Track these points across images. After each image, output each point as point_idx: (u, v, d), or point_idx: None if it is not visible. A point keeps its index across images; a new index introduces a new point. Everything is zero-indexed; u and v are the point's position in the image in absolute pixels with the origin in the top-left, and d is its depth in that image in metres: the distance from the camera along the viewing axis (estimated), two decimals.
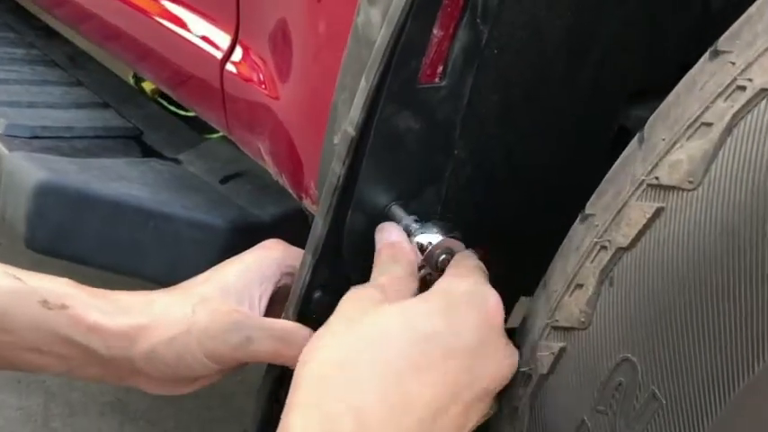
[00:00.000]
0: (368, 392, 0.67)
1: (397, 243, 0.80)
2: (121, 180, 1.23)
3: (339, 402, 0.66)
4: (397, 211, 0.84)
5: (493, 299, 0.74)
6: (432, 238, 0.82)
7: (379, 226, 0.81)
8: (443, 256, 0.82)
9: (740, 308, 0.57)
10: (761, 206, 0.56)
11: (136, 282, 1.17)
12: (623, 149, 0.93)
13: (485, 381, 0.71)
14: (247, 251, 0.90)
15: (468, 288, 0.74)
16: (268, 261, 0.88)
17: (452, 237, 0.83)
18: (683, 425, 0.60)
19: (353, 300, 0.76)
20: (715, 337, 0.58)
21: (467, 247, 0.84)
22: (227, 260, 0.89)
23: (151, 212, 1.18)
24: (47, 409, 1.89)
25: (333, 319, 0.74)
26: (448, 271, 0.79)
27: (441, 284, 0.76)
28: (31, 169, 1.20)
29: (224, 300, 0.84)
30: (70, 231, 1.19)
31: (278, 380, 0.89)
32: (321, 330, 0.74)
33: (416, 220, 0.83)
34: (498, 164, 0.89)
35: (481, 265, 0.80)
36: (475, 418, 0.72)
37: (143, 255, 1.19)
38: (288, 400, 0.68)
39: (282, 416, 0.68)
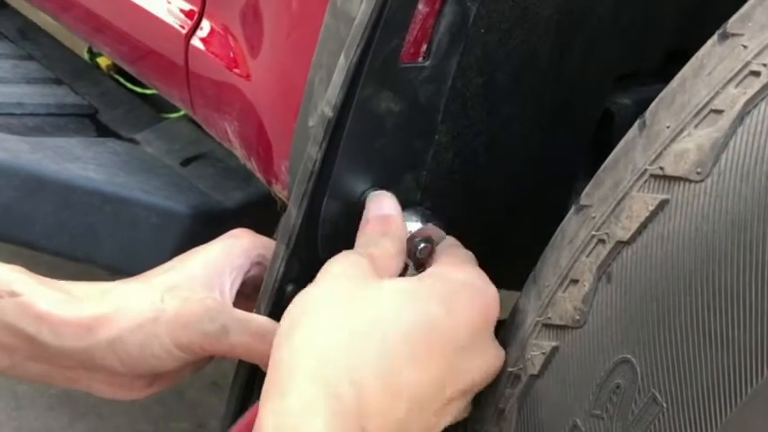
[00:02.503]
0: (368, 371, 0.66)
1: (390, 216, 0.77)
2: (76, 161, 1.20)
3: (341, 373, 0.66)
4: None
5: (492, 294, 0.72)
6: (411, 226, 0.80)
7: (373, 194, 0.79)
8: (422, 245, 0.79)
9: (749, 307, 0.55)
10: None
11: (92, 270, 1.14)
12: (606, 135, 0.93)
13: (469, 378, 0.70)
14: (214, 240, 0.87)
15: (466, 278, 0.73)
16: (237, 250, 0.86)
17: (433, 224, 0.81)
18: (685, 431, 0.58)
19: (345, 265, 0.73)
20: (722, 339, 0.56)
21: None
22: (193, 249, 0.86)
23: (107, 196, 1.16)
24: None
25: (323, 281, 0.73)
26: (440, 258, 0.77)
27: (438, 269, 0.74)
28: None
29: (193, 288, 0.81)
30: (21, 214, 1.15)
31: (250, 378, 0.87)
32: (313, 291, 0.72)
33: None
34: (480, 150, 0.87)
35: (471, 255, 0.78)
36: (449, 418, 0.71)
37: (98, 240, 1.16)
38: (282, 360, 0.68)
39: (275, 377, 0.67)
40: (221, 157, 1.25)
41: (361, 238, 0.77)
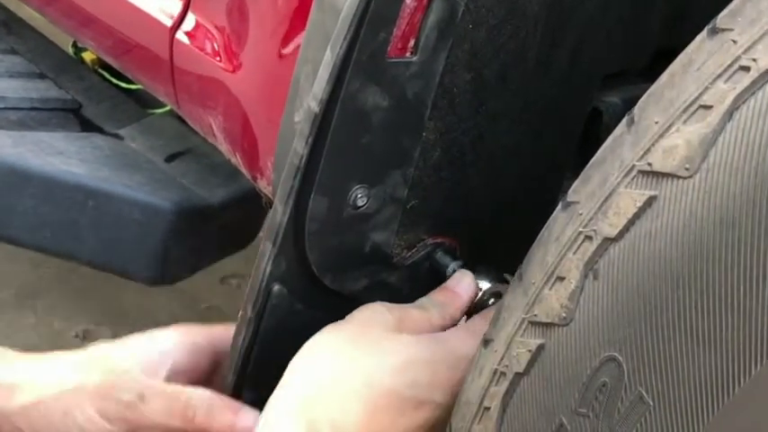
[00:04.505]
0: (349, 415, 0.76)
1: (460, 296, 0.85)
2: (59, 155, 1.20)
3: (324, 414, 0.75)
4: (444, 258, 0.88)
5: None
6: (481, 284, 0.86)
7: (466, 271, 0.87)
8: (492, 301, 0.86)
9: (737, 306, 0.55)
10: (763, 197, 0.54)
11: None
12: (594, 133, 0.93)
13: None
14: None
15: (467, 352, 0.79)
16: (170, 338, 0.89)
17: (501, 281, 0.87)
18: (672, 430, 0.58)
19: (370, 315, 0.82)
20: (709, 337, 0.56)
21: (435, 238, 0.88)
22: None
23: (90, 191, 1.16)
24: None
25: (345, 325, 0.81)
26: (470, 321, 0.85)
27: (451, 337, 0.82)
28: None
29: (122, 361, 0.85)
30: (2, 209, 1.15)
31: (240, 377, 0.86)
32: (330, 328, 0.80)
33: (463, 266, 0.87)
34: (467, 147, 0.87)
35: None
36: None
37: (80, 236, 1.17)
38: (278, 393, 0.77)
39: (268, 413, 0.77)
40: (206, 153, 1.25)
41: (427, 297, 0.86)
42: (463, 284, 0.86)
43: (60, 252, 1.17)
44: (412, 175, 0.84)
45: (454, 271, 0.88)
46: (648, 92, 0.63)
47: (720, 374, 0.56)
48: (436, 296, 0.86)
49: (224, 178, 1.20)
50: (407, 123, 0.81)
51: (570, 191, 0.67)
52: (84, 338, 2.07)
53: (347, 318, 0.82)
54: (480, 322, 0.83)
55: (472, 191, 0.90)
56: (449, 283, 0.87)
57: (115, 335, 2.14)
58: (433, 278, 0.89)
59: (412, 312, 0.84)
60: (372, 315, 0.82)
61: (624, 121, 0.64)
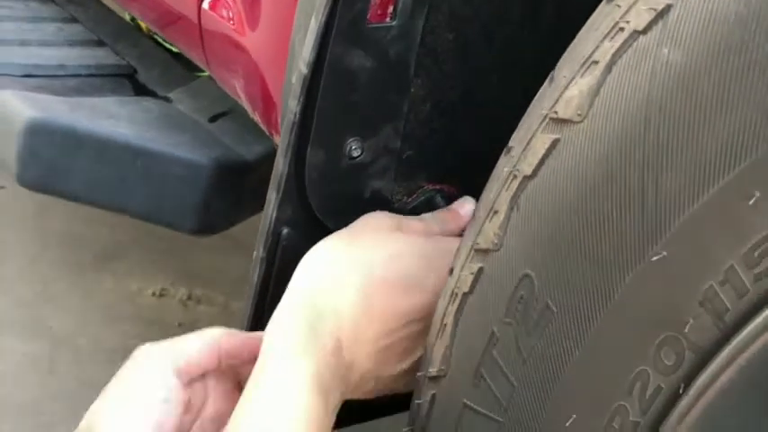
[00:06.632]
0: (347, 301, 0.90)
1: (462, 217, 1.01)
2: (110, 119, 1.37)
3: (324, 302, 0.90)
4: (442, 203, 1.04)
5: None
6: None
7: (465, 197, 1.03)
8: None
9: (615, 228, 0.71)
10: (630, 136, 0.70)
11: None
12: None
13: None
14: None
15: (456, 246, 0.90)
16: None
17: None
18: (571, 330, 0.75)
19: (369, 219, 0.97)
20: (594, 254, 0.73)
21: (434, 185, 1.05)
22: None
23: (138, 150, 1.32)
24: (53, 354, 2.02)
25: (345, 230, 0.96)
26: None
27: (444, 238, 0.97)
28: (23, 108, 1.34)
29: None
30: (60, 169, 1.33)
31: (258, 310, 1.02)
32: (330, 235, 0.95)
33: None
34: (457, 102, 1.01)
35: None
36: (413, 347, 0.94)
37: (130, 192, 1.33)
38: (285, 294, 0.92)
39: (278, 307, 0.91)
40: (244, 114, 1.41)
41: (430, 213, 1.01)
42: (466, 208, 1.02)
43: (112, 206, 1.34)
44: (404, 127, 0.98)
45: None
46: (567, 50, 0.79)
47: (602, 286, 0.73)
48: (439, 213, 1.02)
49: (259, 136, 1.34)
50: (393, 81, 0.96)
51: (511, 138, 0.83)
52: (161, 296, 2.22)
53: (349, 225, 0.96)
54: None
55: (466, 141, 1.03)
56: (454, 204, 1.02)
57: (190, 293, 2.28)
58: None
59: (412, 221, 0.99)
60: (371, 219, 0.97)
61: (550, 75, 0.80)
